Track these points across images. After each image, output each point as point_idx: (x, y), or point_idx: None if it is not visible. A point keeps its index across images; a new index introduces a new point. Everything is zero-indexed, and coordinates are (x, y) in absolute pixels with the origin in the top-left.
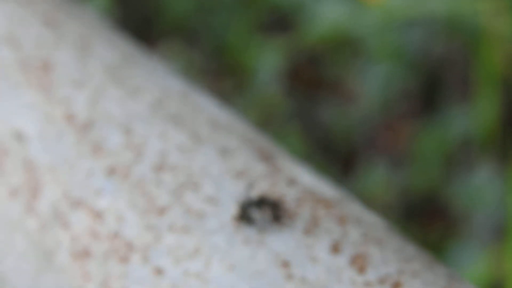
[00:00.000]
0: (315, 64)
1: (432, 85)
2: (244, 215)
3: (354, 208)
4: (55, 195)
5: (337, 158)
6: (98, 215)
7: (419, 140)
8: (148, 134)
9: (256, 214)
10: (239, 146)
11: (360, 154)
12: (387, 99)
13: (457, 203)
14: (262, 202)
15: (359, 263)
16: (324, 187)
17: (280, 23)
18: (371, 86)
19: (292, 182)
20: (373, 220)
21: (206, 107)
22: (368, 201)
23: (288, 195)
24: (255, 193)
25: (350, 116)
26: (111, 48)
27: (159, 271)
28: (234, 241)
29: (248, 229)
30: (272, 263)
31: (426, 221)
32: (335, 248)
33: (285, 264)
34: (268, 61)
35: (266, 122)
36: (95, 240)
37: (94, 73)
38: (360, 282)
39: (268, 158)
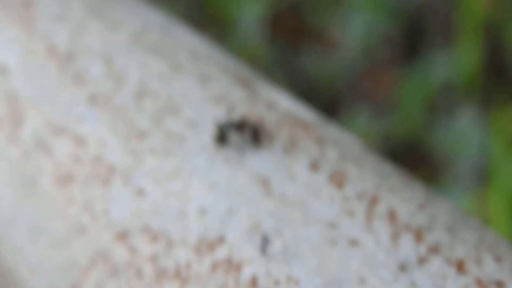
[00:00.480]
0: (297, 13)
1: (414, 31)
2: (224, 137)
3: (332, 130)
4: (37, 124)
5: (320, 106)
6: (80, 141)
7: (402, 87)
8: (128, 64)
9: (235, 136)
10: (219, 73)
11: (342, 101)
12: (369, 46)
13: (439, 148)
14: (242, 125)
15: (337, 180)
16: (302, 111)
17: None
18: (353, 34)
19: (271, 106)
20: (351, 141)
21: (186, 39)
22: None
23: (267, 118)
24: (235, 116)
25: (332, 64)
26: None
27: (140, 192)
28: (214, 162)
29: (227, 150)
30: (252, 181)
31: (408, 167)
32: (314, 166)
33: (265, 182)
34: (249, 11)
35: None
36: (77, 165)
37: (75, 8)
38: (338, 198)
39: (247, 84)
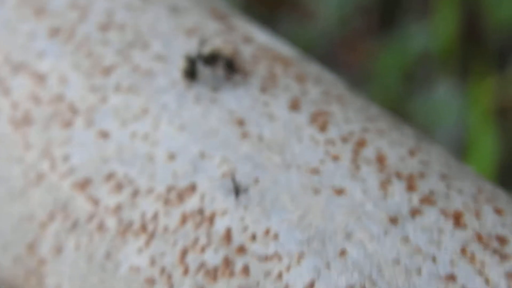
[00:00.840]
0: None
1: (390, 1)
2: (194, 72)
3: (313, 68)
4: None
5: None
6: (40, 78)
7: (378, 57)
8: None
9: (207, 70)
10: (191, 5)
11: None
12: (345, 16)
13: (417, 119)
14: (214, 58)
15: (320, 120)
16: (281, 46)
17: None
18: (329, 2)
19: (247, 40)
20: (334, 80)
21: None
22: None
23: (243, 52)
24: (207, 50)
25: (308, 33)
26: None
27: (104, 134)
28: (185, 100)
29: (199, 87)
30: (226, 121)
31: None
32: (294, 105)
33: (240, 122)
34: None
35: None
36: (36, 105)
37: None
38: (321, 140)
39: (221, 17)
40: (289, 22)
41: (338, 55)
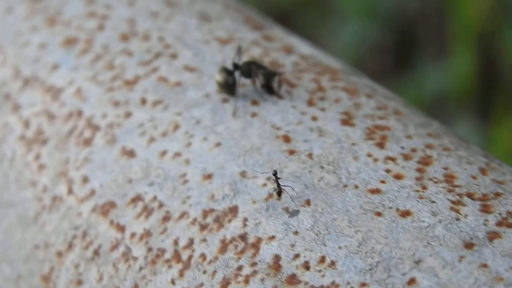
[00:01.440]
0: (288, 22)
1: (407, 41)
2: (230, 84)
3: (365, 80)
4: (2, 74)
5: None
6: (54, 92)
7: None
8: (113, 1)
9: (245, 82)
10: (222, 13)
11: None
12: (360, 56)
13: None
14: (252, 69)
15: (377, 136)
16: (326, 58)
17: None
18: (344, 42)
19: (288, 50)
20: (388, 94)
21: None
22: None
23: (285, 63)
24: (244, 60)
25: None
26: None
27: (128, 153)
28: (220, 114)
29: (236, 100)
30: (269, 137)
31: None
32: (346, 120)
33: (286, 138)
34: None
35: None
36: (50, 122)
37: None
38: (380, 158)
39: (258, 26)
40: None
41: None
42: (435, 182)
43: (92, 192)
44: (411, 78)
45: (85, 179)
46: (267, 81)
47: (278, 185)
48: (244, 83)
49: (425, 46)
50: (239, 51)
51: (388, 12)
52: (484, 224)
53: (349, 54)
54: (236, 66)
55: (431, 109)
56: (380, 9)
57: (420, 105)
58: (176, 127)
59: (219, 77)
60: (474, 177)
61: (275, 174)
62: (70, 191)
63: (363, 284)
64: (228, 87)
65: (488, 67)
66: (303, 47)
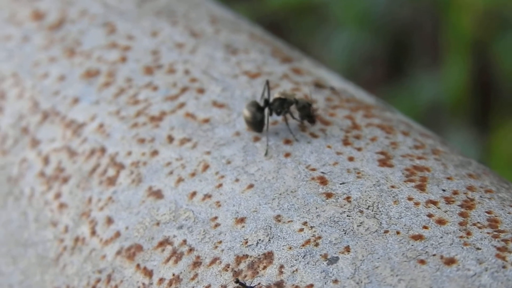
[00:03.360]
0: (279, 31)
1: (400, 50)
2: (261, 121)
3: (399, 116)
4: (20, 107)
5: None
6: (75, 128)
7: None
8: (136, 32)
9: (276, 119)
10: (249, 45)
11: None
12: (353, 65)
13: None
14: (284, 106)
15: (417, 178)
16: (358, 92)
17: None
18: (337, 52)
19: (320, 85)
20: (424, 130)
21: (205, 4)
22: None
23: (317, 98)
24: (274, 95)
25: None
26: None
27: (155, 194)
28: (252, 154)
29: (268, 139)
30: (305, 179)
31: None
32: (384, 160)
33: (322, 180)
34: None
35: None
36: (71, 159)
37: None
38: (422, 202)
39: (287, 59)
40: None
41: None
42: (479, 228)
43: (117, 234)
44: (404, 88)
45: (109, 220)
46: (304, 112)
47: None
48: (275, 120)
49: (418, 55)
50: (268, 86)
51: (381, 21)
52: None
53: (342, 63)
54: (266, 102)
55: (425, 118)
56: (374, 18)
57: (414, 114)
58: (206, 167)
59: (247, 112)
60: None
61: (237, 281)
62: (93, 233)
63: None
64: (256, 124)
65: (482, 76)
66: (334, 81)
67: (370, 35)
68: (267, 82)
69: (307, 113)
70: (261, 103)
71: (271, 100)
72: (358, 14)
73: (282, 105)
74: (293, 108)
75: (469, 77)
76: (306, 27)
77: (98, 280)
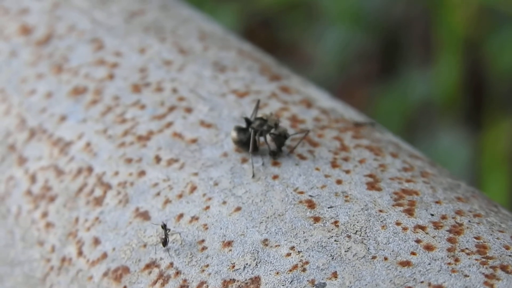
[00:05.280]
0: (269, 28)
1: (392, 47)
2: (250, 142)
3: (388, 136)
4: (7, 124)
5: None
6: (62, 146)
7: (379, 103)
8: (124, 48)
9: (269, 142)
10: (237, 62)
11: None
12: (344, 62)
13: None
14: (272, 127)
15: (405, 202)
16: (347, 111)
17: None
18: (327, 49)
19: (308, 104)
20: (412, 151)
21: (194, 19)
22: None
23: (306, 119)
24: (263, 116)
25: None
26: None
27: (142, 215)
28: (240, 176)
29: (256, 160)
30: (292, 202)
31: None
32: (373, 183)
33: (310, 203)
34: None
35: None
36: (58, 178)
37: None
38: (410, 227)
39: (275, 77)
40: (286, 67)
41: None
42: (468, 254)
43: (104, 255)
44: (396, 85)
45: (96, 241)
46: (278, 140)
47: (166, 235)
48: (263, 141)
49: (410, 53)
50: (258, 106)
51: (373, 18)
52: None
53: (334, 60)
54: (248, 122)
55: (417, 116)
56: (365, 15)
57: (405, 112)
58: (193, 188)
59: (234, 134)
60: (507, 247)
61: (164, 226)
62: (80, 253)
63: None
64: (243, 145)
65: (474, 74)
66: (323, 100)
67: (362, 32)
68: (258, 102)
69: (280, 142)
70: (245, 124)
71: (252, 120)
72: (350, 10)
73: (262, 125)
74: (280, 130)
75: (461, 74)
76: (298, 24)
77: None
